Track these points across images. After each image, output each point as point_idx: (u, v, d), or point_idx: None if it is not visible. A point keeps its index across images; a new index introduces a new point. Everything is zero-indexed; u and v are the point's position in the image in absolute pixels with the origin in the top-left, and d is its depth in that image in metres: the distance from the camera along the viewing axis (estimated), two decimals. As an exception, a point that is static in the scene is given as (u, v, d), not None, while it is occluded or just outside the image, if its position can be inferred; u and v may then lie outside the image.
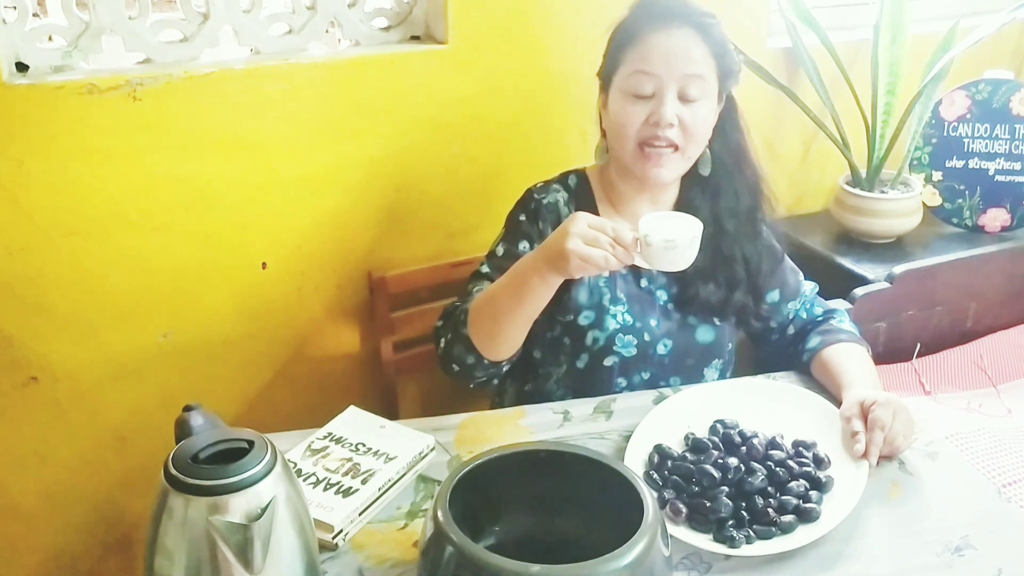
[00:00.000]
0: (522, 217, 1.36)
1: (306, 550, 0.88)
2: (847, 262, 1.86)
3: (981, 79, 1.93)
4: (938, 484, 1.15)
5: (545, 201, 1.36)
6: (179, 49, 1.46)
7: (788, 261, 1.47)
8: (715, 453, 1.14)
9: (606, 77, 1.34)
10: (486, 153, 1.68)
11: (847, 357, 1.34)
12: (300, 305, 1.64)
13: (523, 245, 1.34)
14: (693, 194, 1.38)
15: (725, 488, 1.08)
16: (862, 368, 1.32)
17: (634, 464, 1.15)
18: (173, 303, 1.54)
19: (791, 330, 1.44)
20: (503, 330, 1.22)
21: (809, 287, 1.48)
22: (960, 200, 1.97)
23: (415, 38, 1.62)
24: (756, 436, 1.17)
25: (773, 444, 1.17)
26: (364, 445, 1.17)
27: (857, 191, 1.91)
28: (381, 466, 1.13)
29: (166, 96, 1.41)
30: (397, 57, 1.56)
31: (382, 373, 1.70)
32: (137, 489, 1.60)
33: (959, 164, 1.96)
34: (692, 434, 1.20)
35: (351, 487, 1.09)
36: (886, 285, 1.74)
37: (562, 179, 1.40)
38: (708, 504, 1.06)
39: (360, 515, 1.07)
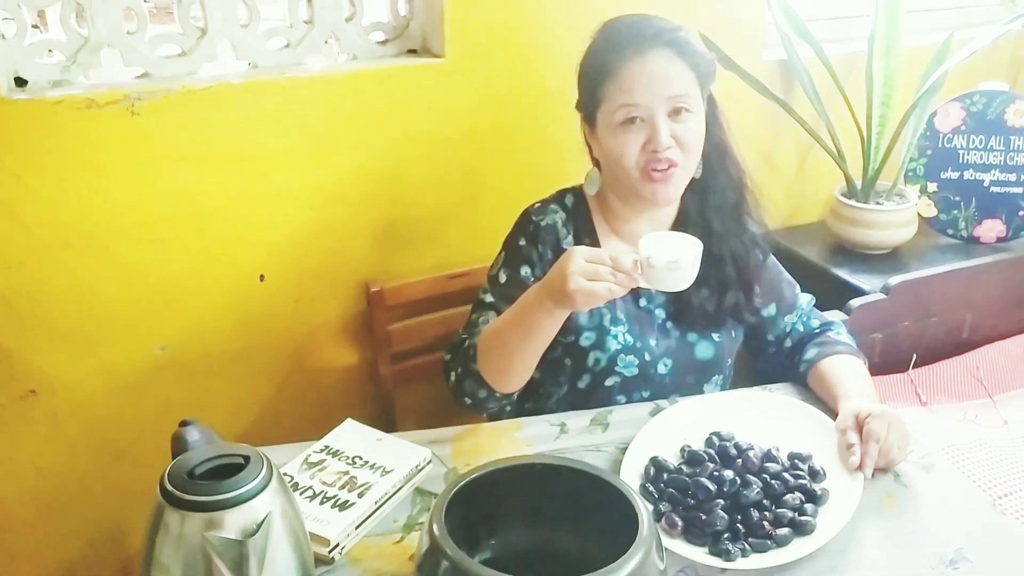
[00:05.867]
0: (522, 241, 1.36)
1: (302, 565, 0.89)
2: (843, 273, 1.86)
3: (976, 91, 1.94)
4: (933, 496, 1.15)
5: (544, 223, 1.36)
6: (177, 63, 1.47)
7: (785, 274, 1.48)
8: (711, 466, 1.14)
9: (588, 112, 1.33)
10: (483, 165, 1.69)
11: (843, 369, 1.34)
12: (298, 317, 1.65)
13: (525, 270, 1.34)
14: (689, 201, 1.38)
15: (720, 501, 1.09)
16: (858, 380, 1.32)
17: (630, 477, 1.15)
18: (170, 316, 1.55)
19: (788, 343, 1.44)
20: (513, 365, 1.22)
21: (806, 300, 1.48)
22: (955, 211, 1.98)
23: (412, 52, 1.63)
24: (752, 448, 1.17)
25: (769, 456, 1.17)
26: (361, 458, 1.17)
27: (852, 202, 1.92)
28: (378, 479, 1.13)
29: (164, 110, 1.42)
30: (394, 71, 1.56)
31: (379, 385, 1.70)
32: (135, 502, 1.59)
33: (954, 175, 1.96)
34: (688, 446, 1.20)
35: (348, 500, 1.09)
36: (882, 296, 1.75)
37: (559, 198, 1.39)
38: (704, 517, 1.06)
39: (357, 529, 1.07)
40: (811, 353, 1.38)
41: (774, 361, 1.46)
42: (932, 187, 1.98)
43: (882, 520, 1.11)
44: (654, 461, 1.17)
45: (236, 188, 1.51)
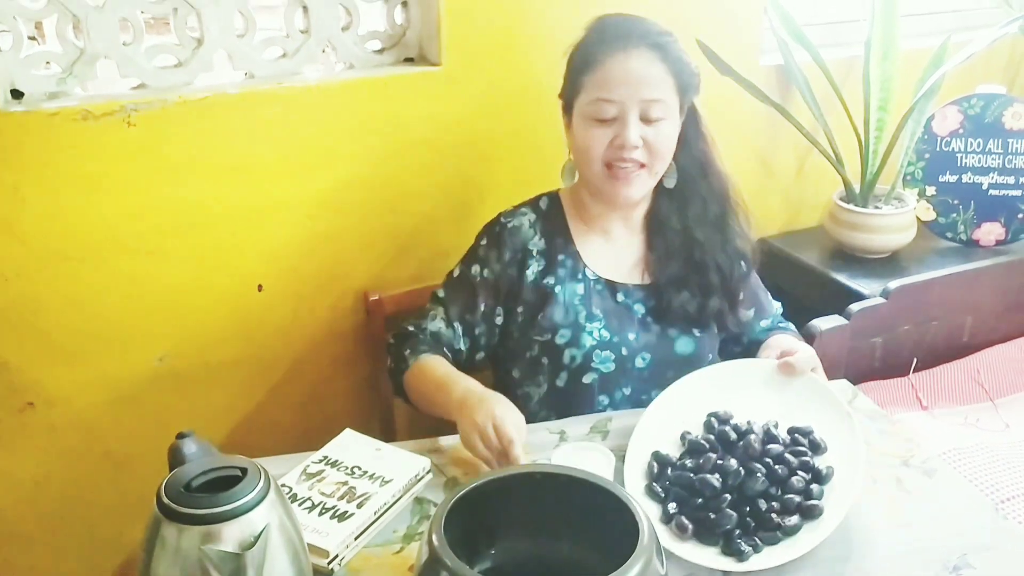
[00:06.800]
0: (483, 241, 1.40)
1: (300, 577, 0.88)
2: (842, 278, 1.86)
3: (973, 94, 1.94)
4: (936, 502, 1.14)
5: (510, 225, 1.39)
6: (173, 74, 1.47)
7: (760, 283, 1.51)
8: (713, 456, 1.13)
9: (567, 101, 1.36)
10: (480, 173, 1.69)
11: (780, 336, 1.43)
12: (296, 327, 1.64)
13: (475, 268, 1.38)
14: (661, 205, 1.40)
15: (728, 496, 1.08)
16: (786, 339, 1.41)
17: (634, 474, 1.14)
18: (169, 327, 1.54)
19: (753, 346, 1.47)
20: (420, 407, 1.35)
21: (777, 306, 1.53)
22: (954, 214, 1.98)
23: (409, 60, 1.63)
24: (751, 432, 1.16)
25: (769, 437, 1.16)
26: (360, 468, 1.17)
27: (851, 207, 1.91)
28: (377, 489, 1.12)
29: (160, 121, 1.41)
30: (391, 79, 1.56)
31: (378, 394, 1.70)
32: (134, 514, 1.58)
33: (952, 179, 1.97)
34: (688, 433, 1.19)
35: (347, 511, 1.08)
36: (882, 300, 1.75)
37: (533, 202, 1.43)
38: (713, 517, 1.05)
39: (356, 539, 1.06)
40: (762, 338, 1.45)
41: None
42: (930, 191, 1.98)
43: (885, 526, 1.10)
44: (656, 457, 1.16)
45: (233, 198, 1.51)
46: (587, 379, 1.35)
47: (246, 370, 1.63)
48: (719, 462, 1.12)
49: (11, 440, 1.50)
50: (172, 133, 1.43)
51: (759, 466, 1.11)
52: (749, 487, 1.09)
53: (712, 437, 1.18)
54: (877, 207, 1.93)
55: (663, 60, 1.28)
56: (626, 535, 0.87)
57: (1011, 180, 1.94)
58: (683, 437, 1.19)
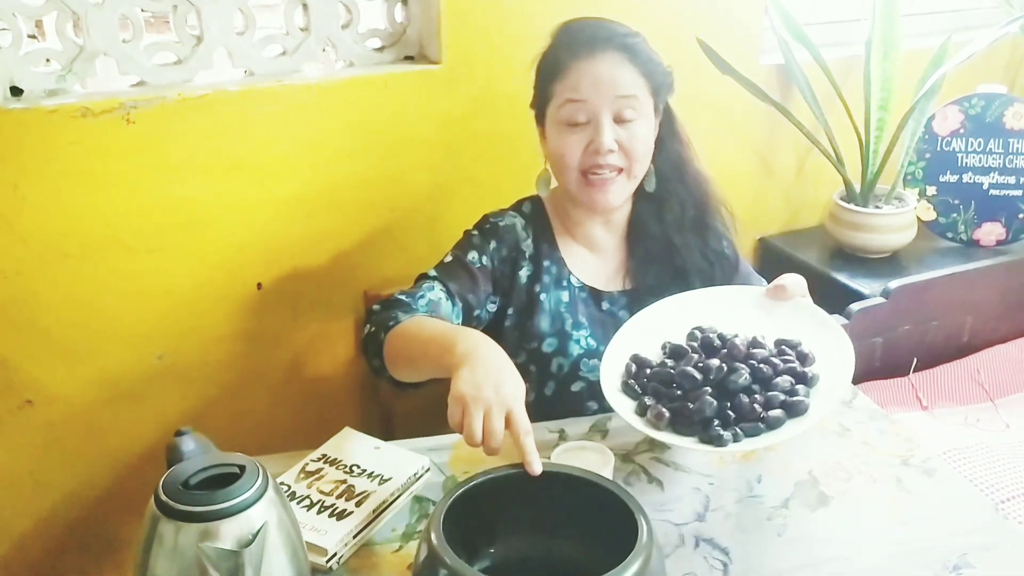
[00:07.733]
0: (475, 232, 1.38)
1: (299, 575, 0.88)
2: (843, 277, 1.86)
3: (974, 94, 1.94)
4: (935, 502, 1.14)
5: (503, 224, 1.37)
6: (173, 71, 1.46)
7: (746, 268, 1.48)
8: (695, 356, 1.09)
9: (539, 110, 1.35)
10: (480, 171, 1.68)
11: None
12: (295, 325, 1.64)
13: (472, 255, 1.34)
14: (642, 209, 1.39)
15: (708, 389, 1.04)
16: None
17: (610, 378, 1.10)
18: (168, 324, 1.54)
19: None
20: (402, 366, 1.20)
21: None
22: (955, 214, 1.98)
23: (409, 58, 1.63)
24: (736, 337, 1.12)
25: (755, 343, 1.12)
26: (358, 467, 1.16)
27: (852, 206, 1.91)
28: (376, 488, 1.12)
29: (160, 118, 1.41)
30: (391, 77, 1.56)
31: (378, 393, 1.70)
32: (132, 512, 1.59)
33: (953, 179, 1.96)
34: (669, 342, 1.16)
35: (345, 509, 1.08)
36: (882, 300, 1.74)
37: (516, 206, 1.42)
38: (691, 406, 1.01)
39: (354, 538, 1.06)
40: None
41: None
42: (931, 190, 1.98)
43: (884, 526, 1.10)
44: (635, 358, 1.13)
45: (233, 196, 1.51)
46: (575, 387, 1.35)
47: (245, 368, 1.63)
48: (700, 364, 1.07)
49: (9, 438, 1.50)
50: (172, 131, 1.43)
51: (742, 365, 1.06)
52: (731, 382, 1.04)
53: (695, 344, 1.13)
54: (877, 207, 1.93)
55: (632, 61, 1.26)
56: (626, 534, 0.87)
57: (1012, 180, 1.94)
58: (664, 346, 1.15)
